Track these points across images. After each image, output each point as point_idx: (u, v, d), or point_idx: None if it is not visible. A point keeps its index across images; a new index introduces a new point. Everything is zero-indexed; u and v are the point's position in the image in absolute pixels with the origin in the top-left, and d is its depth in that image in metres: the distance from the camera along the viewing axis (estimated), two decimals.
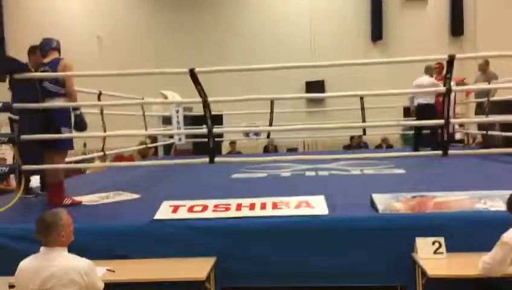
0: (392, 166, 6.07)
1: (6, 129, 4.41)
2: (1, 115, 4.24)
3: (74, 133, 4.35)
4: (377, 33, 13.19)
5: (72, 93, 4.19)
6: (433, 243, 3.05)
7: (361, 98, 7.32)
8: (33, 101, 4.12)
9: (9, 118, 4.20)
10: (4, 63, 4.14)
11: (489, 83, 7.40)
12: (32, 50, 4.71)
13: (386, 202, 3.44)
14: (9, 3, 13.70)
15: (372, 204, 3.50)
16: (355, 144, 11.07)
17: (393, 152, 8.44)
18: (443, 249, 3.04)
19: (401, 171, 5.76)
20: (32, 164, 4.13)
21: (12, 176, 7.28)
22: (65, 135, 4.21)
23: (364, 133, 8.59)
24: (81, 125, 4.28)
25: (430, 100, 7.15)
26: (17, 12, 13.61)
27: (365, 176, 5.64)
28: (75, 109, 4.23)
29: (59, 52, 4.31)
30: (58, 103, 4.18)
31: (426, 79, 7.23)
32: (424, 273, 2.89)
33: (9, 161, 7.21)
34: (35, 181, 5.16)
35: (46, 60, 4.26)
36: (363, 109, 7.45)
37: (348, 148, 11.05)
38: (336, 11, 13.37)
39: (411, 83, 7.39)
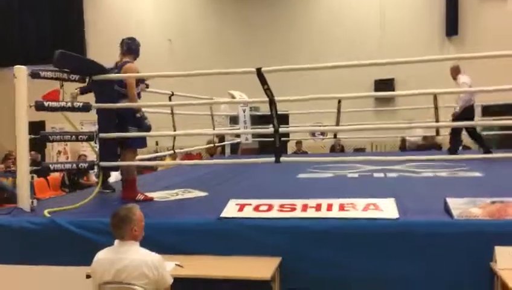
0: (467, 168, 5.73)
1: (88, 128, 4.71)
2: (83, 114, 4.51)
3: (144, 133, 4.45)
4: (452, 28, 12.43)
5: (131, 95, 4.30)
6: None
7: (435, 96, 6.97)
8: (109, 101, 4.33)
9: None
10: (84, 65, 4.39)
11: None
12: None
13: (462, 207, 3.23)
14: (89, 9, 14.60)
15: (447, 209, 3.30)
16: (428, 145, 10.56)
17: (470, 154, 7.94)
18: None
19: (477, 174, 5.41)
20: (110, 160, 4.35)
21: (92, 172, 7.85)
22: (136, 134, 4.38)
23: (438, 134, 8.17)
24: (142, 126, 4.38)
25: None
26: (96, 17, 14.48)
27: (438, 178, 5.36)
28: (137, 111, 4.36)
29: (131, 55, 4.47)
30: (123, 103, 4.36)
31: None
32: (504, 285, 2.68)
33: (90, 158, 7.67)
34: (113, 177, 5.46)
35: (119, 63, 4.49)
36: (436, 108, 7.08)
37: (419, 149, 10.57)
38: (408, 4, 12.77)
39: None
